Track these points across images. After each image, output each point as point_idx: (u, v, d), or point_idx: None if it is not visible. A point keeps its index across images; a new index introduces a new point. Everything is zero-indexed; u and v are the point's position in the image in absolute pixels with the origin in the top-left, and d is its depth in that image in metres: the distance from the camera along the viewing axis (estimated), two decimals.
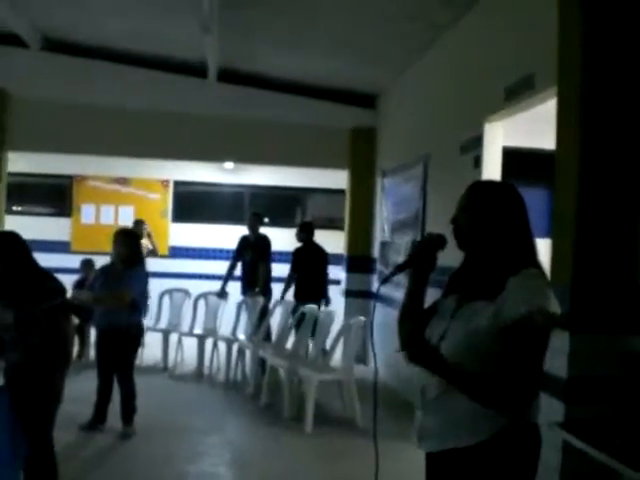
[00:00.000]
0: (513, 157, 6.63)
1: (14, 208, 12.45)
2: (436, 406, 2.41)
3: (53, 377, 4.26)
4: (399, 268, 2.62)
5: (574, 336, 3.96)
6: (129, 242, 6.54)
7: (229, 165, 12.80)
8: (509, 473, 2.29)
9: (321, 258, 9.49)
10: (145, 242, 10.97)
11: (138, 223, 11.33)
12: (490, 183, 2.68)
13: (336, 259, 11.56)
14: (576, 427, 3.75)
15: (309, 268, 9.39)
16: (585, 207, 4.13)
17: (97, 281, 6.58)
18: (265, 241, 9.53)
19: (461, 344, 2.34)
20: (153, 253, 11.47)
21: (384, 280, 2.73)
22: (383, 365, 9.06)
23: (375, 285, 10.19)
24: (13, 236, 4.42)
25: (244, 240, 9.77)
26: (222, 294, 9.67)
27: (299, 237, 9.58)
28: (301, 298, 9.00)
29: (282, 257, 10.72)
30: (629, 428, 3.83)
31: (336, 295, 10.86)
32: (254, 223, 9.62)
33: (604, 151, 4.13)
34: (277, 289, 9.52)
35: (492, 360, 2.25)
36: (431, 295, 2.62)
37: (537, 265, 2.37)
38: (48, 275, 4.40)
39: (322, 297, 9.42)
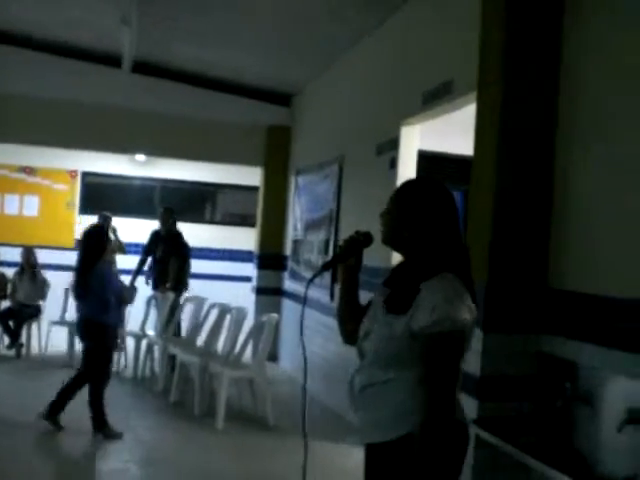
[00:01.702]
0: (428, 160, 6.79)
1: None
2: (361, 400, 2.48)
3: None
4: (325, 266, 2.69)
5: (487, 335, 4.10)
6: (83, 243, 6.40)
7: (141, 158, 12.59)
8: (432, 469, 2.35)
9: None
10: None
11: (106, 218, 10.69)
12: (420, 181, 2.66)
13: (248, 256, 11.58)
14: (488, 423, 3.89)
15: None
16: (500, 209, 4.28)
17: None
18: (179, 237, 9.44)
19: (378, 349, 2.41)
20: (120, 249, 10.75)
21: (311, 279, 2.77)
22: (293, 362, 9.17)
23: (287, 283, 10.22)
24: None
25: (155, 235, 9.66)
26: (130, 289, 9.52)
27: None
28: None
29: (196, 253, 10.61)
30: (539, 425, 3.99)
31: (247, 292, 10.88)
32: (165, 218, 9.52)
33: (520, 155, 4.29)
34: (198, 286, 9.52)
35: (408, 364, 2.32)
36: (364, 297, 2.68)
37: (458, 269, 2.37)
38: None
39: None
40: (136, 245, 11.07)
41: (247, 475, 5.57)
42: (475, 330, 2.48)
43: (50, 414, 6.20)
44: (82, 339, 6.46)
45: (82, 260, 6.33)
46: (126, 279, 9.60)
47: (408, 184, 2.56)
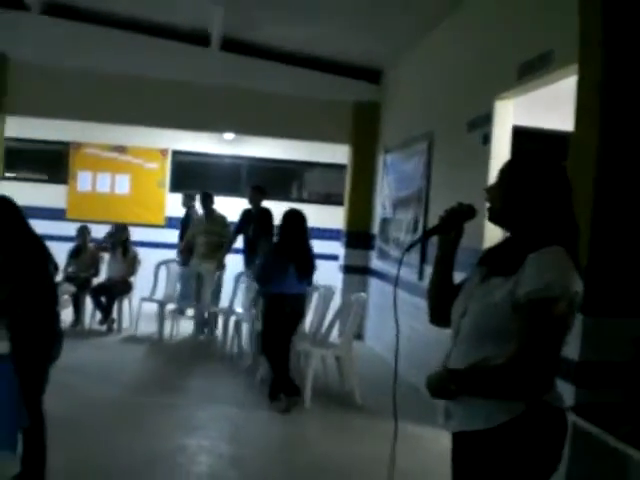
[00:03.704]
0: (523, 137, 6.54)
1: (9, 174, 12.29)
2: None
3: (49, 346, 4.20)
4: (425, 235, 2.57)
5: (587, 318, 3.90)
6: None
7: (229, 136, 12.66)
8: (529, 457, 2.23)
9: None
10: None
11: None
12: (533, 154, 2.43)
13: (335, 234, 11.51)
14: (586, 411, 3.71)
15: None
16: (601, 189, 4.06)
17: None
18: (267, 215, 9.46)
19: (477, 322, 2.28)
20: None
21: (408, 247, 2.67)
22: (382, 342, 9.08)
23: (374, 261, 10.12)
24: (5, 201, 4.27)
25: (246, 214, 9.71)
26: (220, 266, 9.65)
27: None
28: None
29: None
30: (636, 413, 3.79)
31: (334, 270, 10.82)
32: (255, 196, 9.54)
33: (625, 133, 4.05)
34: None
35: (507, 339, 2.17)
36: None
37: (566, 244, 2.24)
38: (41, 243, 4.29)
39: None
40: None
41: (335, 455, 5.50)
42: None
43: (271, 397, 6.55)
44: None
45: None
46: None
47: (520, 157, 2.42)
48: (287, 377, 6.60)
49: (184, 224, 11.05)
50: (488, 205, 2.39)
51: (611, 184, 4.05)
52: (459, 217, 2.49)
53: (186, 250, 10.26)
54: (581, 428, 3.65)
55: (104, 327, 9.53)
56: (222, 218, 10.05)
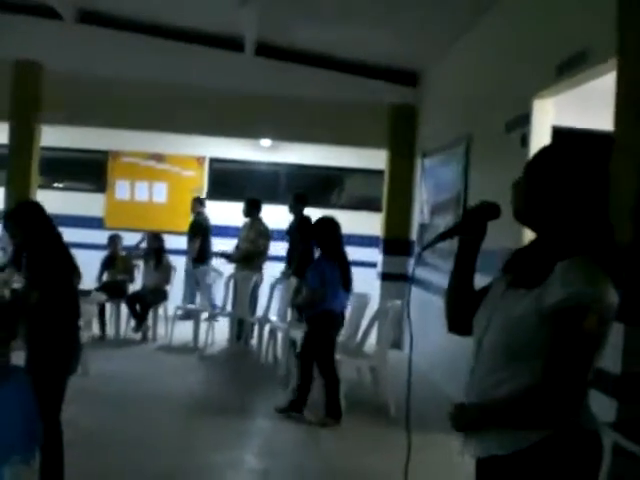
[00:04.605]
0: (563, 137, 6.27)
1: (47, 183, 12.35)
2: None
3: (69, 354, 4.10)
4: (443, 235, 2.31)
5: (629, 328, 3.65)
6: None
7: (266, 143, 12.55)
8: None
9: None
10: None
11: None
12: (562, 146, 2.17)
13: (374, 241, 11.30)
14: (629, 428, 3.46)
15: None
16: None
17: None
18: (304, 223, 9.30)
19: (501, 338, 2.06)
20: None
21: (425, 247, 2.42)
22: (419, 353, 8.83)
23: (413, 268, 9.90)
24: (34, 206, 4.24)
25: (291, 222, 9.59)
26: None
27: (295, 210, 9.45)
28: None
29: None
30: None
31: (372, 278, 10.61)
32: (295, 205, 9.38)
33: None
34: None
35: (535, 355, 1.96)
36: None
37: (601, 250, 2.01)
38: (67, 252, 4.21)
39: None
40: None
41: (368, 469, 5.32)
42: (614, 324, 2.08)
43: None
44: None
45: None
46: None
47: (547, 149, 2.18)
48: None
49: (194, 230, 11.04)
50: (512, 202, 2.17)
51: None
52: (481, 216, 2.27)
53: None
54: (623, 447, 3.40)
55: (139, 335, 9.46)
56: (265, 228, 9.87)
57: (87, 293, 7.30)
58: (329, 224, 6.53)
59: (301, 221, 9.33)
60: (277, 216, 10.82)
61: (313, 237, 6.68)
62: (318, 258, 6.65)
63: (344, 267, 6.47)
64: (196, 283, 10.42)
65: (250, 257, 9.58)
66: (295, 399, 6.39)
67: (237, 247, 9.95)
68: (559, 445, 1.97)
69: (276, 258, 9.88)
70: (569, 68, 5.16)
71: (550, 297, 1.94)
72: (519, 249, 2.26)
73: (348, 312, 7.63)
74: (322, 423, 6.21)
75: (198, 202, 11.39)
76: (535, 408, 1.94)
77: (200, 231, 11.01)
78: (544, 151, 2.17)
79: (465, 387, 2.19)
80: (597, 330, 1.92)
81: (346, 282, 6.47)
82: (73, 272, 4.29)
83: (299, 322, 8.50)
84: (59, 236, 4.25)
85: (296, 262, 9.05)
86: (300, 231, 9.21)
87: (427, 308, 8.52)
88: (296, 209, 9.37)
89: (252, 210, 9.80)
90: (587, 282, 1.93)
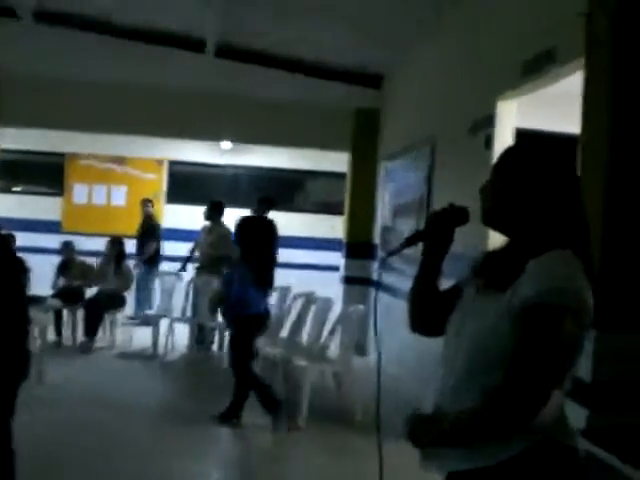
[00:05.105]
0: (527, 138, 6.23)
1: (4, 186, 12.07)
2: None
3: (18, 366, 3.91)
4: (408, 241, 2.17)
5: (600, 334, 3.57)
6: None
7: (227, 145, 12.39)
8: None
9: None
10: None
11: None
12: (529, 144, 2.08)
13: (335, 244, 11.22)
14: (600, 436, 3.38)
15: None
16: (613, 196, 3.73)
17: None
18: (271, 227, 9.14)
19: (474, 346, 1.93)
20: None
21: (389, 254, 2.30)
22: (385, 358, 8.71)
23: (376, 272, 9.80)
24: None
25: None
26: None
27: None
28: None
29: (284, 242, 10.30)
30: None
31: (335, 282, 10.51)
32: (259, 208, 9.23)
33: (638, 131, 3.73)
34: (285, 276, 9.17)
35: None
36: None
37: (574, 248, 1.89)
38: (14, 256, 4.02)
39: None
40: None
41: (331, 477, 5.20)
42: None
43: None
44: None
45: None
46: None
47: (514, 149, 2.08)
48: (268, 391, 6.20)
49: (150, 232, 11.01)
50: (481, 206, 2.06)
51: (623, 188, 3.73)
52: (448, 221, 2.14)
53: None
54: (593, 455, 3.32)
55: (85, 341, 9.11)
56: (228, 232, 9.72)
57: (42, 299, 7.08)
58: (246, 224, 6.34)
59: (266, 224, 9.17)
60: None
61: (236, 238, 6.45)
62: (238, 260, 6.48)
63: (263, 268, 6.31)
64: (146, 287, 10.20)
65: (213, 261, 9.41)
66: (231, 405, 6.17)
67: (193, 250, 9.83)
68: (535, 461, 1.85)
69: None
70: (535, 68, 5.10)
71: (518, 297, 1.82)
72: (490, 252, 2.14)
73: (310, 317, 7.52)
74: (291, 427, 6.07)
75: (149, 203, 11.20)
76: (492, 414, 1.81)
77: (156, 233, 10.89)
78: (511, 151, 2.06)
79: (435, 395, 2.06)
80: (571, 329, 1.79)
81: (265, 283, 6.31)
82: (20, 276, 4.10)
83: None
84: (3, 238, 4.06)
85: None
86: (265, 235, 9.06)
87: (391, 311, 8.47)
88: (261, 212, 9.22)
89: (214, 213, 9.61)
90: (559, 277, 1.80)
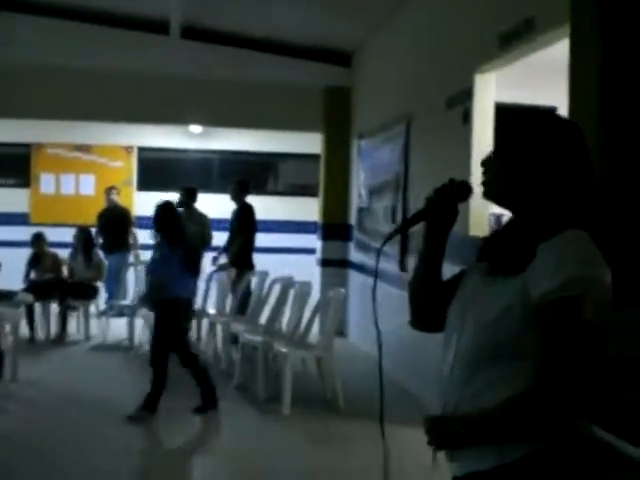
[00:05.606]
0: (506, 114, 6.09)
1: None
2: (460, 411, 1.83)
3: None
4: (407, 223, 2.01)
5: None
6: None
7: (196, 129, 12.14)
8: None
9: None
10: None
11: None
12: (535, 113, 1.91)
13: (311, 227, 11.07)
14: (601, 416, 3.26)
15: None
16: (604, 174, 3.59)
17: None
18: (245, 210, 8.93)
19: (481, 337, 1.77)
20: None
21: (387, 238, 2.08)
22: (368, 339, 8.61)
23: (353, 253, 9.65)
24: None
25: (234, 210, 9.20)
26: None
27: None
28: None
29: (259, 226, 10.10)
30: None
31: (312, 264, 10.37)
32: (234, 192, 9.00)
33: (628, 104, 3.57)
34: (261, 260, 8.98)
35: (521, 357, 1.70)
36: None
37: (589, 225, 1.74)
38: None
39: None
40: None
41: (317, 467, 5.07)
42: None
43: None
44: None
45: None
46: None
47: (519, 117, 1.89)
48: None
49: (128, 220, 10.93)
50: (483, 181, 1.90)
51: (614, 165, 3.59)
52: (449, 197, 1.96)
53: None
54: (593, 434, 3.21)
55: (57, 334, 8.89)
56: (204, 217, 9.53)
57: (13, 294, 6.86)
58: (166, 209, 6.16)
59: (243, 209, 8.97)
60: (211, 205, 10.46)
61: (154, 224, 6.25)
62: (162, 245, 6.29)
63: (189, 252, 6.15)
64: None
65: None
66: (148, 398, 5.94)
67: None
68: (555, 454, 1.71)
69: (215, 249, 9.50)
70: (512, 39, 4.96)
71: (537, 287, 1.67)
72: (493, 233, 1.99)
73: (290, 302, 7.36)
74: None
75: (113, 190, 10.96)
76: (533, 416, 1.67)
77: (125, 221, 10.70)
78: (517, 120, 1.89)
79: (441, 395, 1.91)
80: (597, 316, 1.65)
81: (191, 267, 6.16)
82: None
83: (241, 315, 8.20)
84: None
85: (233, 252, 8.74)
86: (241, 219, 8.87)
87: (369, 292, 8.33)
88: (238, 197, 8.99)
89: (187, 199, 9.37)
90: (578, 263, 1.66)
